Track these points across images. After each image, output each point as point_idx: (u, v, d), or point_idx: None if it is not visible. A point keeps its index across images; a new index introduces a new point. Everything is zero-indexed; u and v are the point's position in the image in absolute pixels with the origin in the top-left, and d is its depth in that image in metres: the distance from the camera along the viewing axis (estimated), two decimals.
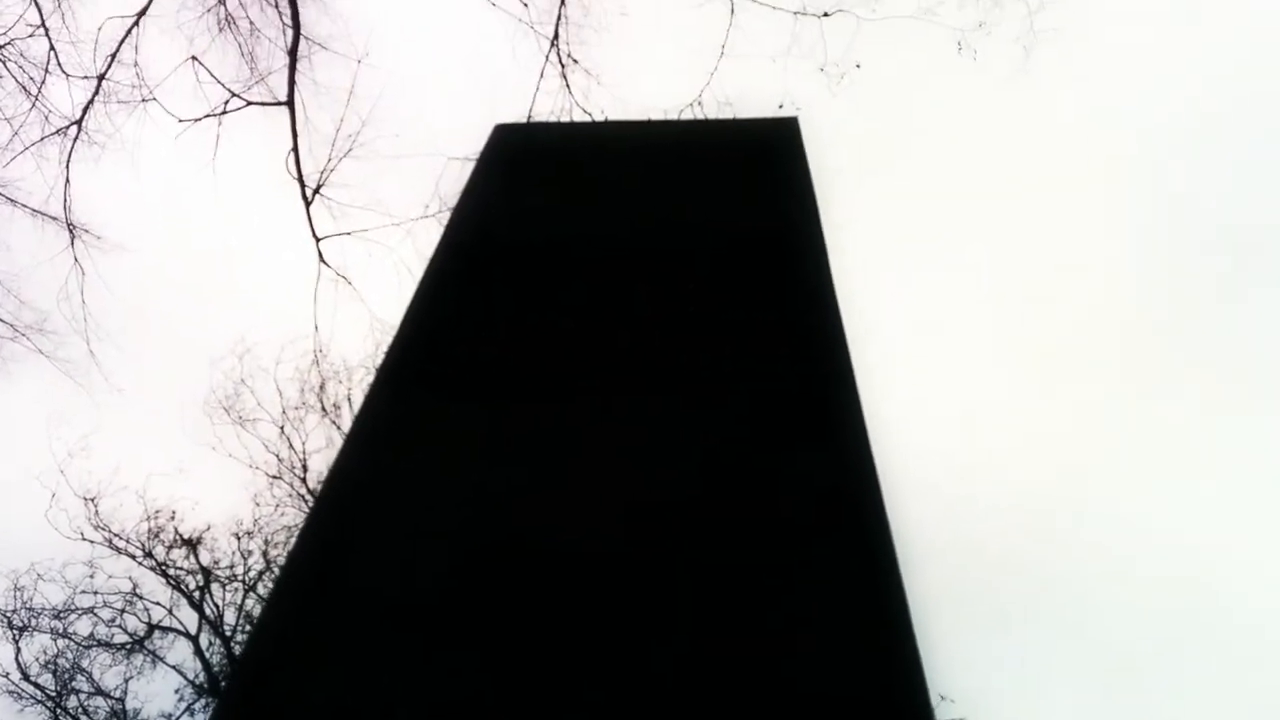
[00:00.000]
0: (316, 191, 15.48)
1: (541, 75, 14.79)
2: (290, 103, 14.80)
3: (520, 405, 1.72)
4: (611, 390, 1.74)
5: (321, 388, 22.03)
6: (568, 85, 14.72)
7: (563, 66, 14.68)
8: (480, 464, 1.62)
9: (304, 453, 22.21)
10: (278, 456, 22.29)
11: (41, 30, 14.12)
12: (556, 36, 14.67)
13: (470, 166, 2.70)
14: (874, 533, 1.34)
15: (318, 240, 15.80)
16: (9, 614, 20.74)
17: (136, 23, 14.28)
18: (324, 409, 22.04)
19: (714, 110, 14.26)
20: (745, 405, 1.68)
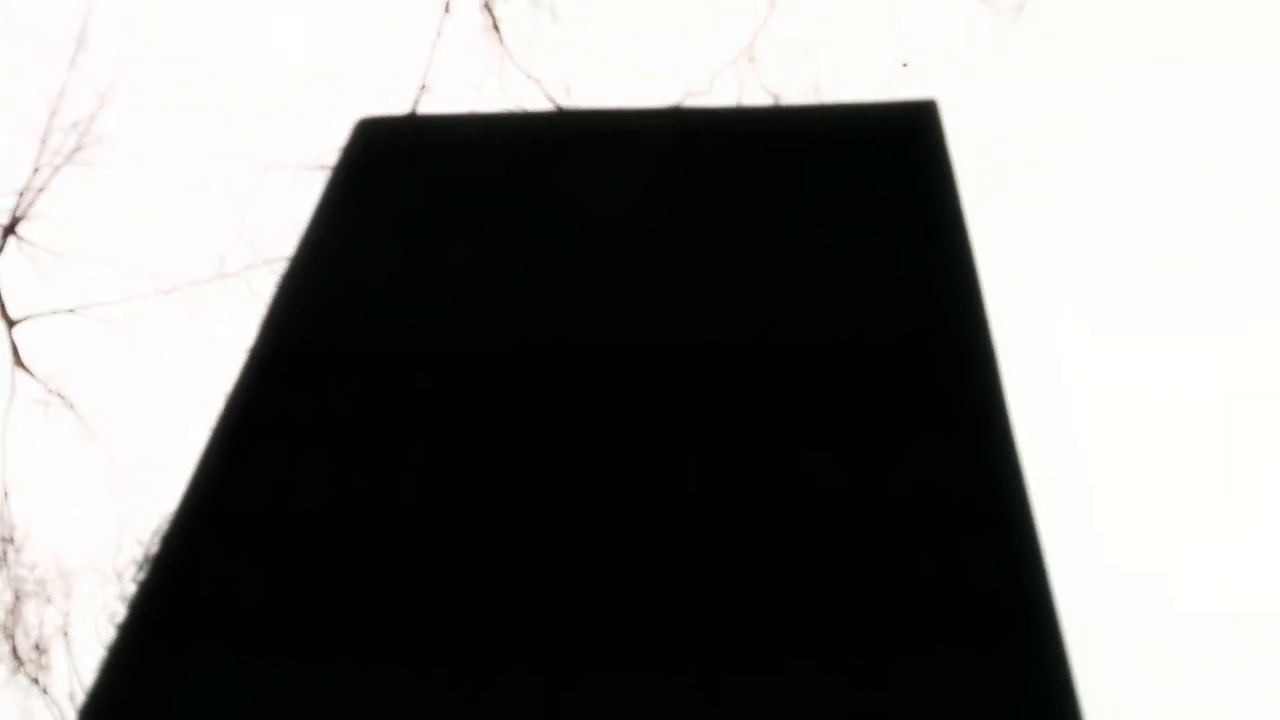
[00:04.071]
0: (9, 231, 9.29)
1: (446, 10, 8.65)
2: None
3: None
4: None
5: (13, 611, 11.88)
6: (498, 33, 9.24)
7: (492, 15, 9.31)
8: None
9: None
10: None
11: None
12: None
13: (316, 188, 1.91)
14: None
15: (10, 324, 9.55)
16: None
17: None
18: (16, 655, 11.74)
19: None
20: None
